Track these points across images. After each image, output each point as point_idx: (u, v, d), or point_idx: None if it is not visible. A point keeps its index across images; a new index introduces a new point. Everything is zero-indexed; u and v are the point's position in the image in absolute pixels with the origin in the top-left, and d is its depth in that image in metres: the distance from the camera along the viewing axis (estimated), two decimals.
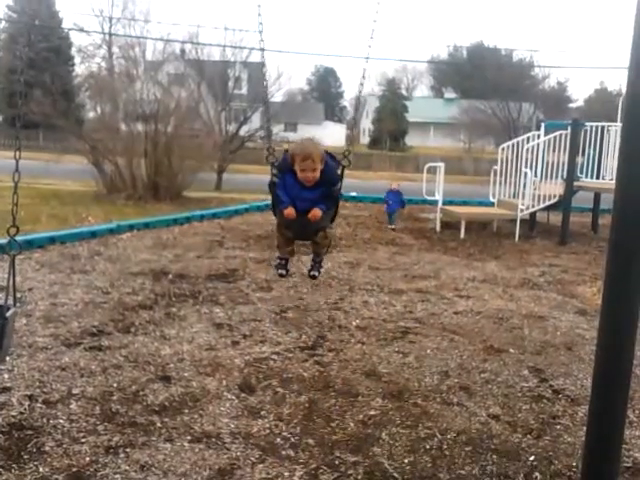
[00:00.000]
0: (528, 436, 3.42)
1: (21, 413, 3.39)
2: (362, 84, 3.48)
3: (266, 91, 4.42)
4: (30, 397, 3.57)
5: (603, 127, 10.80)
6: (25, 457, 2.97)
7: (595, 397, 2.64)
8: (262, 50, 3.47)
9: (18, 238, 2.88)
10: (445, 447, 3.26)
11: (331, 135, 53.49)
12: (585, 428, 2.75)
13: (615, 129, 10.49)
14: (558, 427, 3.54)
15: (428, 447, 3.26)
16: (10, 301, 2.83)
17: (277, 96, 28.32)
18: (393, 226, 10.46)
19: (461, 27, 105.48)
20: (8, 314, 2.71)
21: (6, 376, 3.83)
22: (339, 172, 3.29)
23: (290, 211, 3.19)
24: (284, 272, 3.53)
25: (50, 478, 2.81)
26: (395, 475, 3.00)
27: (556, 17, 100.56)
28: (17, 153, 2.81)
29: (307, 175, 3.15)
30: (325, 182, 3.21)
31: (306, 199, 3.21)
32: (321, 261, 3.59)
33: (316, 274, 3.56)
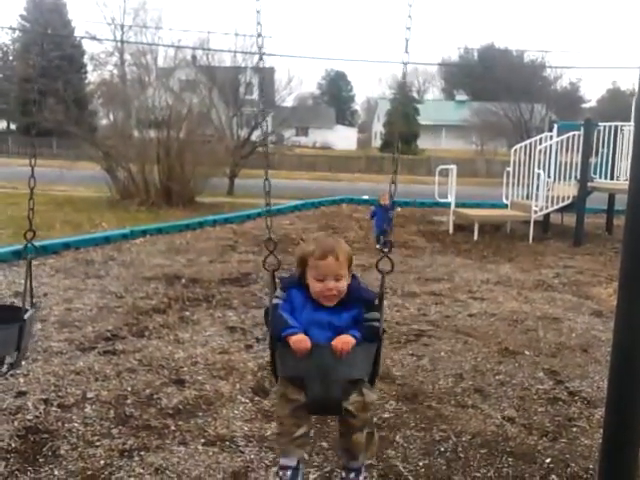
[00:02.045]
0: (544, 438, 3.38)
1: (36, 417, 3.41)
2: (403, 82, 2.99)
3: (262, 98, 4.05)
4: (45, 401, 3.59)
5: (616, 127, 10.72)
6: (40, 460, 2.99)
7: (611, 399, 2.61)
8: (261, 55, 3.01)
9: (29, 247, 2.90)
10: (460, 450, 3.24)
11: (342, 139, 53.63)
12: (602, 430, 2.72)
13: (629, 129, 10.40)
14: (574, 429, 3.50)
15: (443, 450, 3.24)
16: (27, 304, 2.86)
17: (288, 100, 28.45)
18: (379, 246, 8.79)
19: (472, 29, 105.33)
20: (26, 316, 2.74)
21: (22, 380, 3.86)
22: (375, 295, 2.30)
23: (302, 339, 2.13)
24: None
25: None
26: (410, 478, 2.98)
27: (568, 17, 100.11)
28: (32, 160, 2.84)
29: (327, 286, 2.20)
30: (354, 301, 2.24)
31: (326, 325, 2.21)
32: (360, 468, 2.40)
33: None
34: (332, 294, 2.21)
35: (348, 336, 2.15)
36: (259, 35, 2.56)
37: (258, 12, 2.52)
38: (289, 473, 2.31)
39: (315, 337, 2.17)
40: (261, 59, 3.03)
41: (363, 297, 2.28)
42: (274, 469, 2.99)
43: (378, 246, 8.56)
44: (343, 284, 2.23)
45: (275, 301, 2.28)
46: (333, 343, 2.13)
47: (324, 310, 2.24)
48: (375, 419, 3.53)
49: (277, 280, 2.36)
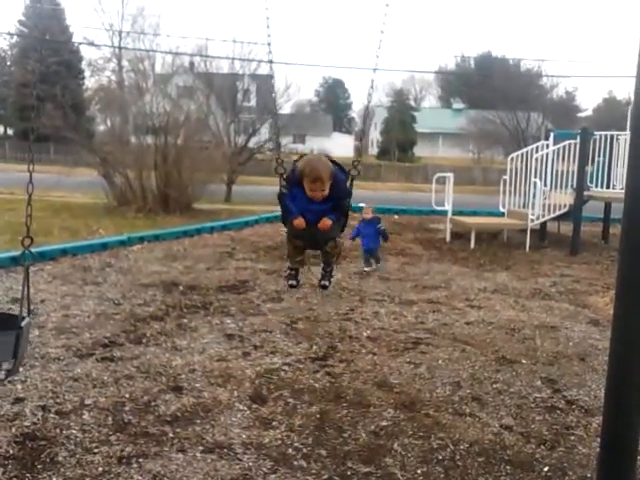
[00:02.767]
0: (542, 447, 3.39)
1: (34, 423, 3.41)
2: (370, 94, 3.47)
3: (274, 102, 4.48)
4: (43, 408, 3.59)
5: (612, 136, 10.78)
6: (39, 467, 2.98)
7: (608, 407, 2.63)
8: (270, 62, 3.49)
9: (27, 253, 2.90)
10: (458, 458, 3.25)
11: (340, 146, 53.68)
12: (599, 439, 2.73)
13: (625, 138, 10.45)
14: (572, 438, 3.52)
15: (440, 458, 3.24)
16: (25, 311, 2.85)
17: (285, 108, 28.50)
18: (368, 268, 7.79)
19: (469, 37, 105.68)
20: (23, 324, 2.74)
21: (19, 387, 3.85)
22: (349, 184, 3.30)
23: (299, 221, 3.21)
24: (295, 282, 3.53)
25: None
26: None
27: (564, 26, 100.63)
28: (30, 166, 2.85)
29: (316, 194, 3.18)
30: (335, 196, 3.22)
31: (315, 211, 3.23)
32: (331, 270, 3.59)
33: (327, 284, 3.56)
34: (318, 197, 3.17)
35: (327, 219, 3.19)
36: (269, 44, 3.32)
37: (267, 18, 3.33)
38: (293, 271, 3.52)
39: (309, 218, 3.20)
40: (271, 68, 3.46)
41: (339, 195, 3.22)
42: (272, 476, 3.00)
43: (366, 269, 7.75)
44: (326, 191, 3.16)
45: (283, 190, 3.24)
46: (319, 225, 3.19)
47: (315, 203, 3.20)
48: (372, 427, 3.55)
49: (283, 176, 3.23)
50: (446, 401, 3.94)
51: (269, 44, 3.33)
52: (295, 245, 3.44)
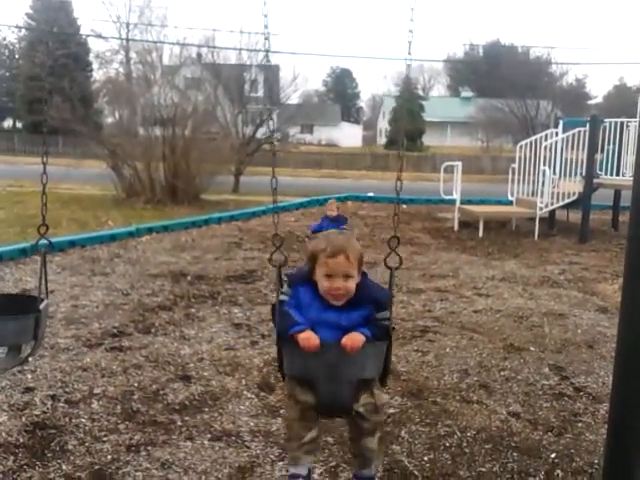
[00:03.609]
0: (549, 434, 3.39)
1: (44, 412, 3.44)
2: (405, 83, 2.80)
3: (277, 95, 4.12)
4: (53, 397, 3.62)
5: (622, 123, 10.69)
6: (49, 455, 3.01)
7: (616, 394, 2.62)
8: (267, 52, 2.93)
9: (43, 241, 2.94)
10: (465, 445, 3.25)
11: (348, 136, 53.59)
12: (607, 426, 2.72)
13: (635, 125, 10.37)
14: (579, 425, 3.51)
15: (448, 445, 3.25)
16: (43, 294, 2.90)
17: (293, 98, 28.44)
18: None
19: (477, 25, 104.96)
20: (41, 306, 2.78)
21: (29, 376, 3.89)
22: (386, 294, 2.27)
23: (310, 336, 2.09)
24: None
25: (73, 476, 2.85)
26: (415, 472, 2.99)
27: (574, 13, 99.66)
28: (44, 157, 2.88)
29: (336, 285, 2.16)
30: (364, 300, 2.20)
31: (334, 325, 2.16)
32: (371, 460, 2.28)
33: None
34: (339, 293, 2.17)
35: (358, 334, 2.10)
36: (266, 38, 2.55)
37: (265, 16, 2.47)
38: (303, 469, 2.27)
39: (323, 337, 2.11)
40: (267, 59, 2.86)
41: (373, 296, 2.23)
42: (280, 464, 3.02)
43: None
44: (352, 284, 2.19)
45: (281, 297, 2.26)
46: (343, 341, 2.08)
47: (333, 309, 2.19)
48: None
49: (284, 277, 2.34)
50: (454, 389, 3.94)
51: (266, 38, 2.57)
52: (302, 406, 2.20)
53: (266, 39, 2.54)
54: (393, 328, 2.24)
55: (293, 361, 2.21)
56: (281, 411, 3.57)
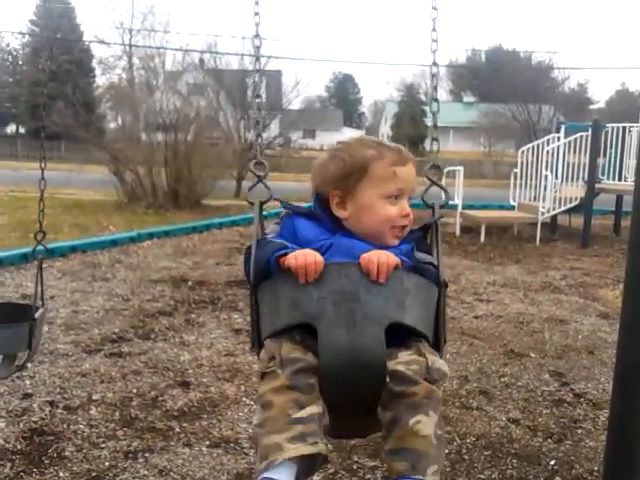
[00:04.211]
0: (549, 440, 3.37)
1: (42, 419, 3.43)
2: (435, 88, 1.90)
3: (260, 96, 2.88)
4: (51, 403, 3.61)
5: (624, 128, 10.68)
6: (46, 462, 3.00)
7: (616, 401, 2.60)
8: (257, 58, 2.20)
9: (40, 247, 2.94)
10: (464, 451, 3.23)
11: None
12: (607, 432, 2.71)
13: (637, 130, 10.37)
14: (579, 431, 3.49)
15: (447, 451, 3.21)
16: (39, 302, 2.89)
17: (295, 103, 28.48)
18: None
19: (479, 31, 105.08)
20: (37, 315, 2.78)
21: (27, 382, 3.88)
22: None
23: (306, 252, 1.45)
24: None
25: None
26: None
27: (575, 18, 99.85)
28: (43, 162, 2.88)
29: (405, 209, 1.67)
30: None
31: (355, 252, 1.49)
32: (422, 461, 1.35)
33: None
34: (407, 224, 1.59)
35: (390, 254, 1.44)
36: (257, 47, 2.08)
37: (257, 13, 2.00)
38: None
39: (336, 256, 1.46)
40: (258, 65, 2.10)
41: (416, 233, 1.64)
42: None
43: None
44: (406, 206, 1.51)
45: (265, 236, 1.64)
46: (364, 255, 1.41)
47: (358, 239, 1.55)
48: None
49: (282, 211, 1.79)
50: (453, 395, 3.92)
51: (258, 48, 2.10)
52: (293, 368, 1.37)
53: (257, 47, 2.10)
54: (446, 283, 1.58)
55: (279, 306, 1.42)
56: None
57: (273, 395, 1.34)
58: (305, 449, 1.28)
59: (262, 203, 1.72)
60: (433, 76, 1.82)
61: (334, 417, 1.40)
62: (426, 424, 1.36)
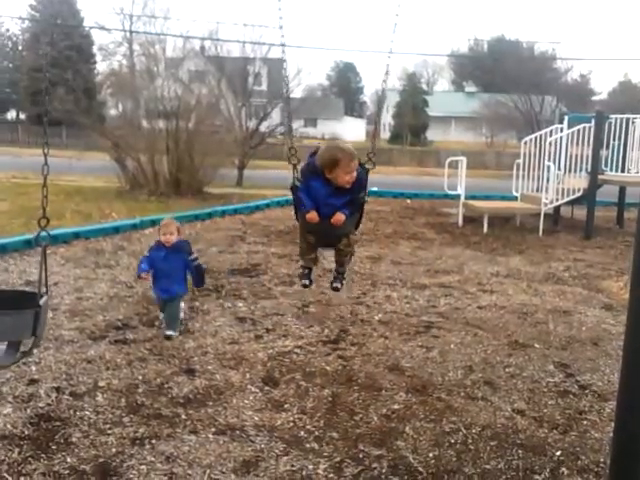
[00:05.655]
0: (554, 431, 3.38)
1: (49, 405, 3.44)
2: (385, 80, 3.46)
3: (287, 86, 4.42)
4: (57, 389, 3.62)
5: (628, 119, 10.63)
6: (53, 447, 3.01)
7: (623, 392, 2.60)
8: (283, 45, 3.35)
9: (44, 234, 2.92)
10: (470, 441, 3.24)
11: (351, 130, 53.44)
12: (612, 424, 2.71)
13: None
14: (585, 423, 3.50)
15: (453, 441, 3.24)
16: (43, 289, 2.88)
17: (297, 92, 28.33)
18: (170, 332, 4.54)
19: (482, 20, 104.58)
20: (41, 302, 2.76)
21: (34, 368, 3.89)
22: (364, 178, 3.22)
23: (312, 215, 3.12)
24: (307, 282, 3.43)
25: (78, 468, 2.85)
26: (420, 469, 2.98)
27: (579, 8, 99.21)
28: (45, 148, 2.86)
29: (353, 176, 3.07)
30: (353, 189, 3.14)
31: (331, 205, 3.14)
32: (344, 272, 3.48)
33: (339, 286, 3.47)
34: (348, 182, 3.08)
35: (341, 214, 3.10)
36: (280, 27, 3.19)
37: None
38: (306, 270, 3.43)
39: (323, 211, 3.10)
40: (283, 50, 3.43)
41: (358, 187, 3.14)
42: (284, 458, 3.01)
43: (168, 333, 4.52)
44: (354, 176, 3.10)
45: (296, 183, 3.17)
46: (332, 220, 3.10)
47: (333, 195, 3.11)
48: (384, 410, 3.55)
49: (298, 171, 3.19)
50: (458, 385, 3.93)
51: (281, 27, 3.31)
52: (308, 241, 3.34)
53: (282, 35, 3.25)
54: (365, 201, 3.23)
55: (304, 223, 3.22)
56: (285, 406, 3.57)
57: (302, 244, 3.38)
58: (311, 263, 3.42)
59: (295, 166, 3.20)
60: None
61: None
62: (345, 258, 3.40)
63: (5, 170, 17.04)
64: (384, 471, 2.96)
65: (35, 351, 3.43)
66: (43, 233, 2.89)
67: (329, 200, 3.13)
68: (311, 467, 2.97)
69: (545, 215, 10.05)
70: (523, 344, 4.71)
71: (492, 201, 11.98)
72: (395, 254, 7.88)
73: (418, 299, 5.85)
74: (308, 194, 3.15)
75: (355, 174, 3.09)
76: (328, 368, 4.13)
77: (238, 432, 3.25)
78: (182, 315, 4.88)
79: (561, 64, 42.09)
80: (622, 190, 11.13)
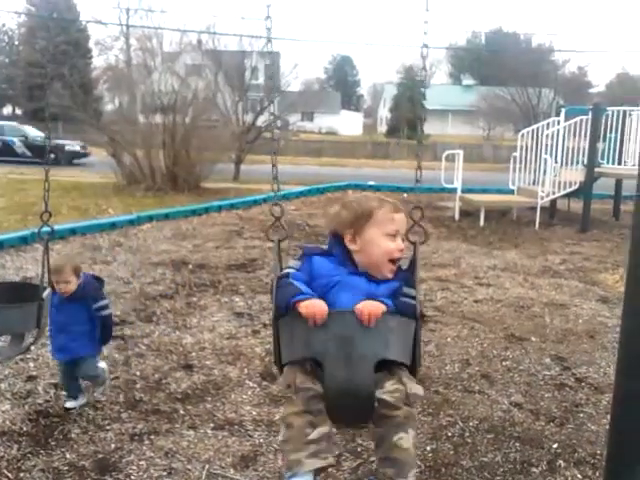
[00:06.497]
0: (551, 424, 3.40)
1: (47, 401, 3.45)
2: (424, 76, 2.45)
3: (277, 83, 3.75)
4: (55, 385, 3.63)
5: (625, 112, 10.64)
6: (52, 443, 3.02)
7: (619, 385, 2.62)
8: (269, 40, 2.51)
9: (46, 228, 2.95)
10: (467, 435, 3.26)
11: (348, 124, 53.41)
12: (609, 416, 2.73)
13: (637, 114, 10.35)
14: (581, 415, 3.52)
15: (450, 435, 3.26)
16: (45, 282, 2.91)
17: (294, 85, 28.30)
18: (71, 403, 3.37)
19: (479, 13, 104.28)
20: (44, 295, 2.78)
21: (31, 365, 3.90)
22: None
23: (316, 303, 1.79)
24: None
25: (77, 464, 2.86)
26: (417, 462, 2.99)
27: (576, 1, 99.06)
28: (47, 142, 2.88)
29: (400, 245, 1.98)
30: (396, 273, 1.99)
31: (359, 290, 1.87)
32: (404, 469, 1.80)
33: None
34: (400, 256, 1.90)
35: (376, 302, 1.77)
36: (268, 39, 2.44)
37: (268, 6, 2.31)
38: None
39: (344, 302, 1.80)
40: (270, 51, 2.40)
41: (404, 270, 1.96)
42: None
43: (68, 405, 3.36)
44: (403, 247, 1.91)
45: (287, 270, 1.94)
46: (358, 306, 1.73)
47: (360, 275, 1.91)
48: None
49: (298, 250, 2.10)
50: (455, 378, 3.95)
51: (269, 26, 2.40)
52: (306, 395, 1.78)
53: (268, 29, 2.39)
54: (422, 314, 1.91)
55: (295, 340, 1.80)
56: (283, 400, 3.57)
57: (293, 417, 1.78)
58: (318, 463, 1.74)
59: (280, 241, 2.08)
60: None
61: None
62: (406, 440, 1.82)
63: (2, 166, 17.00)
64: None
65: (32, 347, 3.45)
66: (45, 227, 2.92)
67: (354, 280, 1.92)
68: None
69: (542, 208, 10.06)
70: (519, 337, 4.73)
71: (489, 194, 11.99)
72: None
73: None
74: (308, 284, 1.91)
75: (402, 240, 1.97)
76: None
77: (237, 427, 3.26)
78: (104, 375, 3.53)
79: (559, 56, 42.10)
80: (618, 183, 11.15)
